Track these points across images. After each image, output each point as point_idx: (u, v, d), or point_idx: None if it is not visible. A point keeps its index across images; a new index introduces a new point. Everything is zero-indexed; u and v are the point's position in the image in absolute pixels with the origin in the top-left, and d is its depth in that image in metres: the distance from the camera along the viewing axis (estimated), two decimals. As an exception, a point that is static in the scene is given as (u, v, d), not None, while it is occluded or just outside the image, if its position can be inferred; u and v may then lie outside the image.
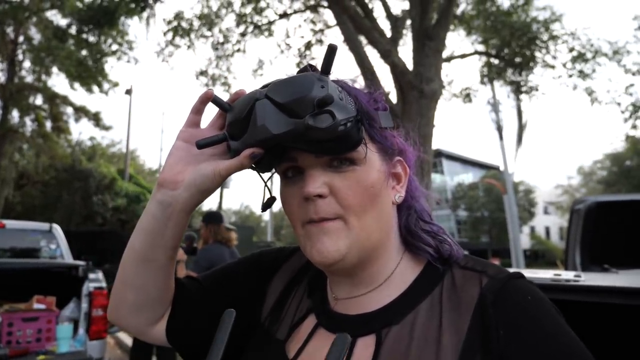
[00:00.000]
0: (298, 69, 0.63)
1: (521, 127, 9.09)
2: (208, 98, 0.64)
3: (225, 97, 0.66)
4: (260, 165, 0.62)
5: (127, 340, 6.36)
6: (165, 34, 8.66)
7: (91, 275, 3.51)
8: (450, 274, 0.60)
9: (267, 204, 0.66)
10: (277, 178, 0.66)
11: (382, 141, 0.61)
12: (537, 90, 8.30)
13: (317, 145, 0.56)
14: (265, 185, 0.66)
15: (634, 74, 7.91)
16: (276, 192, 0.65)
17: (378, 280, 0.62)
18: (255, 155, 0.58)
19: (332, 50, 0.56)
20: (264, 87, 0.60)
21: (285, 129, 0.55)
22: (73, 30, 9.23)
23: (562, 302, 0.82)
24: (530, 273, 1.36)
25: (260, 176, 0.66)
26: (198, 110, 0.66)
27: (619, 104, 8.15)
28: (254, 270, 0.75)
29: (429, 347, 0.54)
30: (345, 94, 0.57)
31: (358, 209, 0.58)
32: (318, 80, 0.55)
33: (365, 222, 0.58)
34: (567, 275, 1.23)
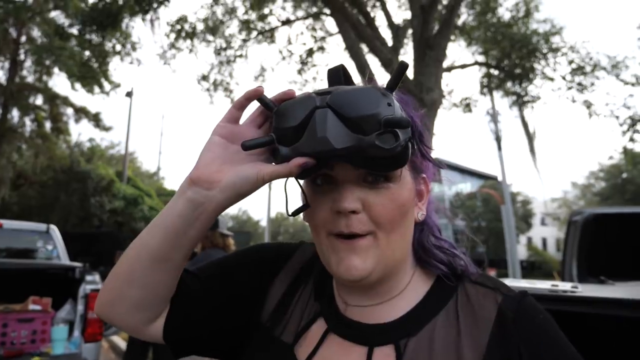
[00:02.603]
0: (363, 78, 0.64)
1: (530, 138, 9.09)
2: (257, 94, 0.60)
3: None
4: (301, 172, 0.58)
5: (121, 343, 6.32)
6: (168, 35, 8.70)
7: (88, 277, 3.49)
8: (463, 288, 0.62)
9: (298, 211, 0.63)
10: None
11: (429, 159, 0.64)
12: (539, 98, 8.34)
13: (369, 161, 0.55)
14: (303, 193, 0.63)
15: (633, 84, 7.96)
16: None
17: (392, 293, 0.63)
18: (306, 166, 0.55)
19: (403, 68, 0.54)
20: (319, 93, 0.57)
21: (347, 144, 0.53)
22: (75, 30, 9.26)
23: (558, 313, 0.83)
24: (527, 283, 1.37)
25: (298, 182, 0.64)
26: (242, 106, 0.62)
27: (617, 117, 8.20)
28: (253, 267, 0.74)
29: (450, 359, 0.55)
30: (405, 113, 0.57)
31: (388, 226, 0.58)
32: (383, 97, 0.54)
33: (393, 239, 0.59)
34: (564, 286, 1.24)
